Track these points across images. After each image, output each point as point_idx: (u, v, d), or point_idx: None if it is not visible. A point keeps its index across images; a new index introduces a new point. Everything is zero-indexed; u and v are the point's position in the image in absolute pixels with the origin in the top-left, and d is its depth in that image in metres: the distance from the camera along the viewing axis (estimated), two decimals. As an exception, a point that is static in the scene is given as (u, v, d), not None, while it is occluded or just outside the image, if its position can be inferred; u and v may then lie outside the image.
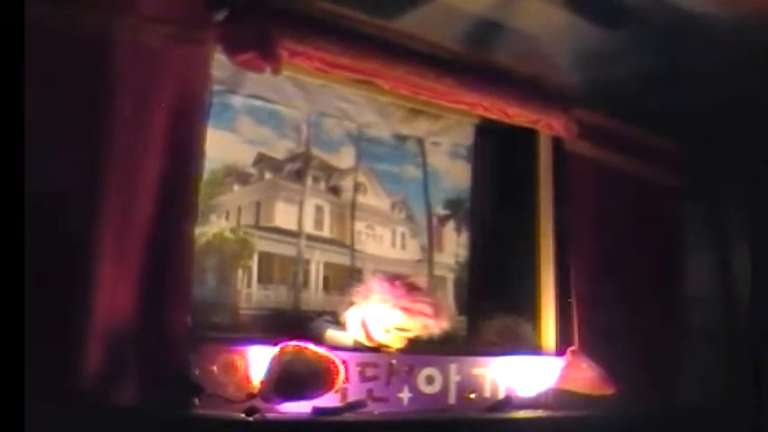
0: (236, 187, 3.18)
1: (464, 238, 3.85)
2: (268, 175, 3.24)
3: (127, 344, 2.39)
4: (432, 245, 3.79)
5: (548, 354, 3.51)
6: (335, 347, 2.80)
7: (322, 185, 3.39)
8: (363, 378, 2.82)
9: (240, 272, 3.17)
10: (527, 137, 3.71)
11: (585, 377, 3.31)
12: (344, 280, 3.41)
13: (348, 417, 2.55)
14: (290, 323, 3.21)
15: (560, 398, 3.25)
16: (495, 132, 3.78)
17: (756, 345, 4.25)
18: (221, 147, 3.07)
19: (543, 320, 3.59)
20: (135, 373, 2.39)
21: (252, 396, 2.50)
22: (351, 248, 3.44)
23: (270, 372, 2.57)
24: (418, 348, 3.08)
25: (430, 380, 2.99)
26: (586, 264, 3.65)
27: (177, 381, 2.42)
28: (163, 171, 2.52)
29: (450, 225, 3.86)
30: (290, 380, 2.56)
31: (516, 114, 3.47)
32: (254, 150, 3.21)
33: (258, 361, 2.60)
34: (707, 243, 4.37)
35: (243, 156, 3.20)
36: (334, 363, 2.67)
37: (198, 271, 2.77)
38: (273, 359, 2.59)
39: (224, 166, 3.13)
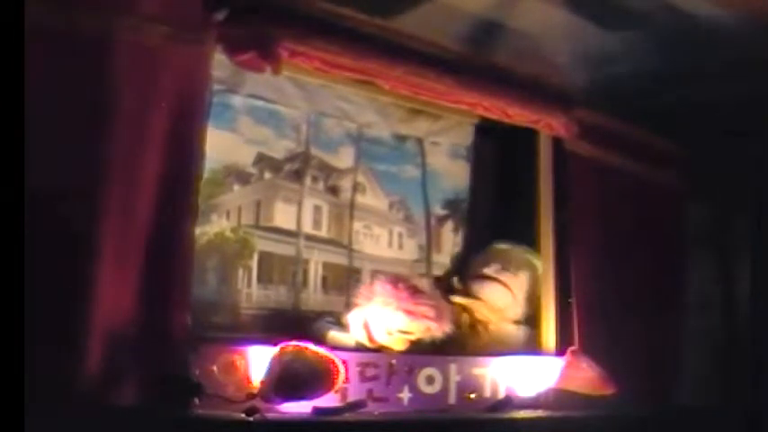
0: (236, 187, 3.17)
1: (462, 237, 3.85)
2: (268, 175, 3.24)
3: (127, 344, 2.38)
4: (430, 245, 3.79)
5: (548, 354, 3.51)
6: (337, 348, 2.81)
7: (321, 185, 3.39)
8: (363, 378, 2.82)
9: (240, 272, 3.16)
10: (527, 137, 3.71)
11: (585, 377, 3.31)
12: (343, 280, 3.41)
13: (348, 417, 2.55)
14: (289, 323, 3.21)
15: (560, 398, 3.26)
16: (495, 132, 3.78)
17: (756, 345, 4.25)
18: (221, 146, 3.06)
19: (543, 320, 3.59)
20: (135, 373, 2.39)
21: (252, 396, 2.50)
22: (349, 248, 3.44)
23: (270, 372, 2.57)
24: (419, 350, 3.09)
25: (430, 380, 2.99)
26: (586, 264, 3.65)
27: (177, 381, 2.42)
28: (163, 171, 2.52)
29: (449, 225, 3.86)
30: (290, 380, 2.56)
31: (516, 114, 3.47)
32: (254, 150, 3.21)
33: (258, 361, 2.60)
34: (707, 243, 4.37)
35: (243, 155, 3.19)
36: (334, 363, 2.67)
37: (198, 271, 2.76)
38: (273, 359, 2.59)
39: (224, 166, 3.13)
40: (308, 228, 3.34)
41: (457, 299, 3.44)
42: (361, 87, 3.30)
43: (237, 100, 3.18)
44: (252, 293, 3.20)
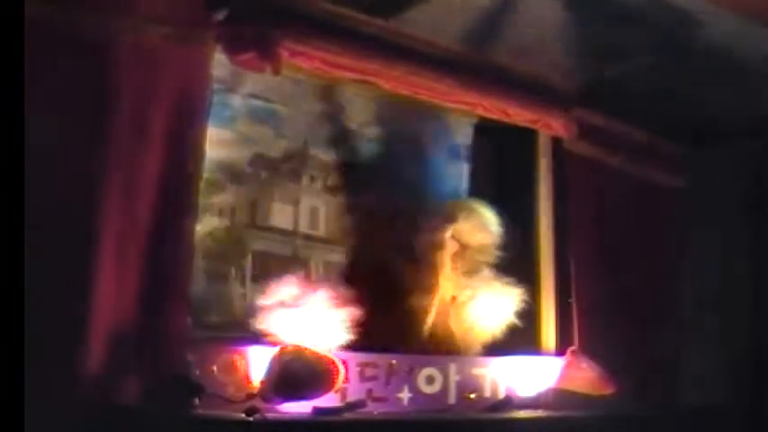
0: (236, 186, 3.16)
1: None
2: (265, 174, 3.23)
3: (127, 344, 2.39)
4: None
5: (548, 354, 3.51)
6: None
7: (319, 185, 3.37)
8: (363, 378, 2.82)
9: (241, 272, 3.15)
10: (527, 137, 3.71)
11: (585, 377, 3.31)
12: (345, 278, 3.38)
13: (348, 417, 2.55)
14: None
15: (560, 398, 3.25)
16: (494, 132, 3.78)
17: (756, 345, 4.25)
18: (221, 146, 3.06)
19: (543, 320, 3.59)
20: (135, 373, 2.40)
21: (252, 396, 2.50)
22: (348, 247, 3.42)
23: (270, 372, 2.57)
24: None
25: (430, 380, 2.99)
26: (586, 264, 3.65)
27: (177, 381, 2.42)
28: (163, 170, 2.52)
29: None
30: (290, 380, 2.56)
31: (516, 114, 3.47)
32: (251, 149, 3.20)
33: (258, 361, 2.60)
34: (707, 242, 4.37)
35: (241, 154, 3.18)
36: (333, 363, 2.67)
37: (198, 271, 2.76)
38: (273, 359, 2.59)
39: (223, 165, 3.11)
40: (305, 227, 3.32)
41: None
42: (361, 87, 3.29)
43: (236, 99, 3.17)
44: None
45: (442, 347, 3.19)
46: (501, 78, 3.41)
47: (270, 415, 2.39)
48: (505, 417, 3.01)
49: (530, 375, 3.26)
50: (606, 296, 3.69)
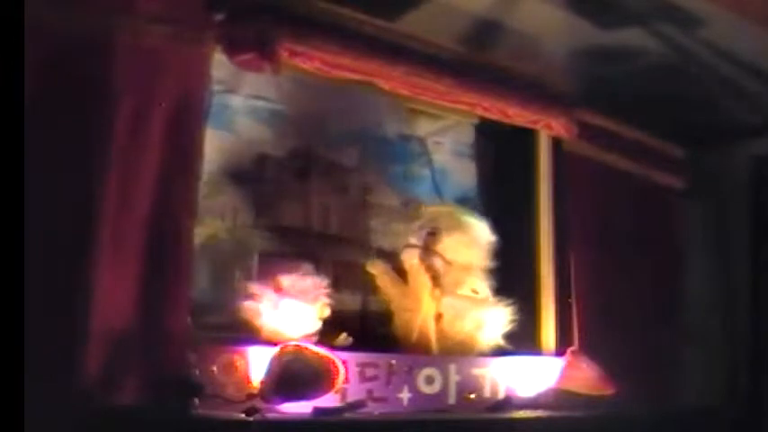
0: (237, 186, 3.15)
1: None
2: (270, 175, 3.22)
3: (127, 344, 2.39)
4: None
5: (548, 354, 3.51)
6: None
7: (327, 184, 3.37)
8: (363, 378, 2.82)
9: (246, 272, 3.13)
10: (527, 137, 3.71)
11: (585, 377, 3.31)
12: (357, 279, 3.38)
13: (348, 417, 2.55)
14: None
15: (560, 398, 3.25)
16: (494, 132, 3.78)
17: (756, 345, 4.25)
18: (222, 146, 3.06)
19: (543, 320, 3.59)
20: (135, 373, 2.39)
21: (252, 396, 2.50)
22: (360, 246, 3.42)
23: (270, 372, 2.57)
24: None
25: (430, 380, 2.99)
26: (586, 264, 3.65)
27: (177, 381, 2.42)
28: (163, 171, 2.52)
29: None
30: (290, 380, 2.56)
31: (516, 114, 3.47)
32: (255, 149, 3.20)
33: (258, 361, 2.60)
34: (707, 243, 4.37)
35: (244, 155, 3.18)
36: (334, 363, 2.67)
37: (198, 271, 2.75)
38: (273, 359, 2.59)
39: (224, 166, 3.11)
40: (316, 226, 3.31)
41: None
42: (361, 87, 3.29)
43: (237, 99, 3.17)
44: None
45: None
46: (501, 78, 3.41)
47: (270, 415, 2.39)
48: (505, 417, 3.01)
49: (530, 375, 3.26)
50: (606, 296, 3.69)
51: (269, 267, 2.86)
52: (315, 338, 2.81)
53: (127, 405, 2.35)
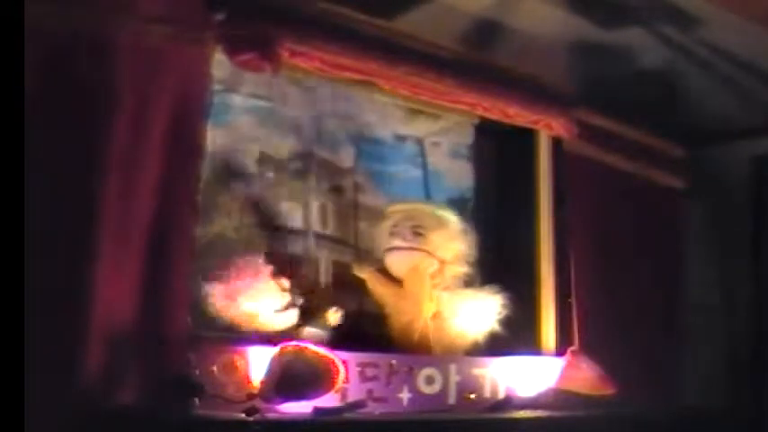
0: (238, 186, 3.15)
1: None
2: (270, 175, 3.23)
3: (127, 344, 2.38)
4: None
5: (548, 354, 3.51)
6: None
7: (325, 185, 3.37)
8: (363, 378, 2.82)
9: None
10: (527, 137, 3.71)
11: (585, 377, 3.31)
12: (352, 278, 3.38)
13: (348, 417, 2.55)
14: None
15: (560, 398, 3.25)
16: (495, 132, 3.78)
17: (757, 345, 4.25)
18: (222, 146, 3.06)
19: (543, 320, 3.59)
20: (135, 373, 2.39)
21: (252, 396, 2.49)
22: (355, 247, 3.42)
23: (270, 372, 2.57)
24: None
25: (430, 380, 2.98)
26: (586, 264, 3.65)
27: (177, 381, 2.42)
28: (163, 171, 2.52)
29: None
30: (290, 380, 2.56)
31: (516, 114, 3.47)
32: (255, 149, 3.20)
33: (258, 361, 2.60)
34: (707, 243, 4.37)
35: (245, 155, 3.18)
36: (334, 363, 2.67)
37: (204, 271, 2.75)
38: (273, 359, 2.59)
39: (226, 166, 3.11)
40: (315, 227, 3.32)
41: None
42: (361, 87, 3.30)
43: (238, 99, 3.17)
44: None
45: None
46: (501, 78, 3.41)
47: (270, 415, 2.39)
48: (505, 417, 3.01)
49: (530, 375, 3.26)
50: (606, 296, 3.69)
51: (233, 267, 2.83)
52: (295, 315, 2.81)
53: (127, 405, 2.35)
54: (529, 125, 3.58)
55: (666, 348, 3.96)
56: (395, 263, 3.22)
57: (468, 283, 3.30)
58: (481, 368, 3.13)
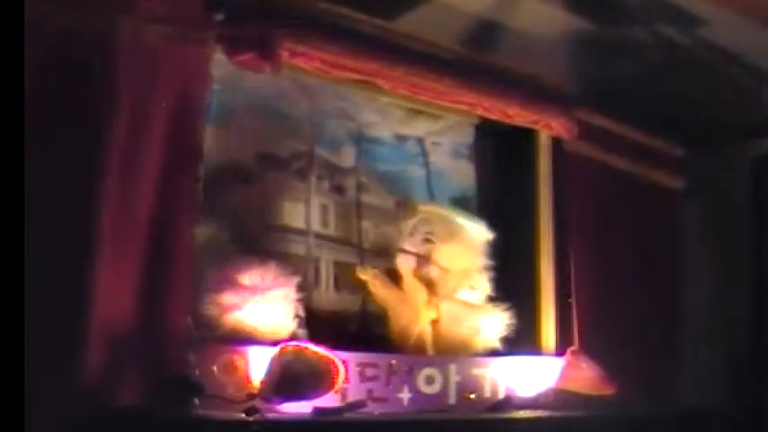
0: (238, 186, 3.15)
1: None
2: (271, 174, 3.22)
3: (127, 344, 2.39)
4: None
5: (548, 354, 3.51)
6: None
7: (326, 184, 3.37)
8: (363, 378, 2.82)
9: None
10: (527, 137, 3.71)
11: (585, 377, 3.31)
12: (354, 279, 3.38)
13: (348, 417, 2.55)
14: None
15: (560, 398, 3.26)
16: (495, 132, 3.78)
17: (757, 345, 4.25)
18: (223, 145, 3.05)
19: (543, 320, 3.59)
20: (135, 372, 2.40)
21: (252, 396, 2.49)
22: (358, 247, 3.42)
23: (270, 372, 2.57)
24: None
25: (430, 380, 2.98)
26: (586, 264, 3.66)
27: (177, 381, 2.42)
28: (163, 171, 2.52)
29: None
30: (290, 380, 2.56)
31: (516, 114, 3.47)
32: (256, 149, 3.20)
33: (258, 361, 2.60)
34: (707, 242, 4.37)
35: (245, 155, 3.18)
36: (334, 363, 2.67)
37: (199, 270, 2.75)
38: (274, 359, 2.59)
39: (226, 165, 3.11)
40: (316, 226, 3.32)
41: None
42: (361, 87, 3.30)
43: (239, 99, 3.16)
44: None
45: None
46: (501, 78, 3.41)
47: (270, 415, 2.39)
48: (505, 417, 3.01)
49: (530, 375, 3.26)
50: (606, 296, 3.69)
51: (232, 269, 2.81)
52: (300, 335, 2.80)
53: (127, 405, 2.35)
54: (529, 125, 3.58)
55: (666, 348, 3.96)
56: (401, 266, 3.22)
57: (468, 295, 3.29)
58: (481, 368, 3.13)
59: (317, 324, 2.93)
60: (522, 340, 3.42)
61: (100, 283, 2.33)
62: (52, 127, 2.29)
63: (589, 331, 3.54)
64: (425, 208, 3.35)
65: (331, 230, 3.35)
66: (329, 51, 2.90)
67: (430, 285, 3.19)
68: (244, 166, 3.16)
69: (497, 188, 3.88)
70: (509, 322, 3.23)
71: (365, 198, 3.46)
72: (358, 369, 2.80)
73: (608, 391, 3.27)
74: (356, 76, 3.07)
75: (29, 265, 2.01)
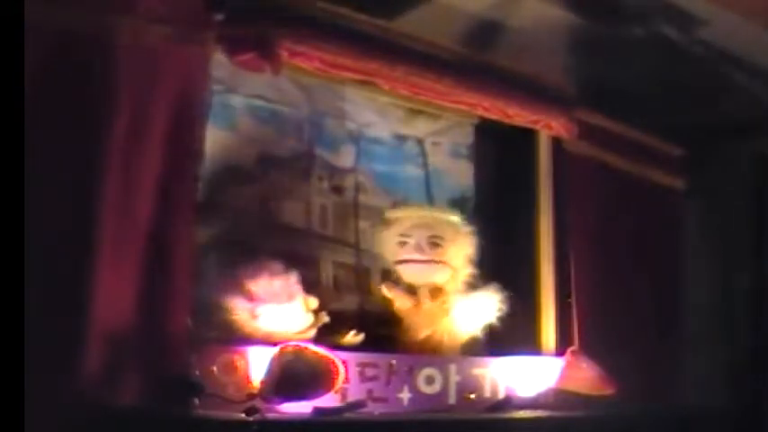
0: (239, 186, 3.15)
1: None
2: (272, 174, 3.22)
3: (127, 344, 2.39)
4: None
5: (548, 354, 3.51)
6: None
7: (325, 185, 3.37)
8: (363, 378, 2.81)
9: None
10: (527, 137, 3.71)
11: (585, 377, 3.31)
12: (353, 279, 3.38)
13: (348, 417, 2.55)
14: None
15: (560, 398, 3.26)
16: (495, 132, 3.78)
17: (757, 345, 4.25)
18: (223, 146, 3.05)
19: (543, 320, 3.58)
20: (135, 373, 2.39)
21: (252, 396, 2.49)
22: (356, 248, 3.42)
23: (270, 372, 2.57)
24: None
25: (430, 380, 2.98)
26: (586, 264, 3.65)
27: (177, 381, 2.42)
28: (163, 171, 2.52)
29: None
30: (290, 380, 2.56)
31: (516, 114, 3.47)
32: (256, 150, 3.20)
33: (258, 361, 2.60)
34: (708, 242, 4.37)
35: (246, 155, 3.18)
36: (334, 363, 2.67)
37: (205, 271, 2.75)
38: (273, 359, 2.58)
39: (226, 165, 3.11)
40: (316, 227, 3.31)
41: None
42: (361, 87, 3.30)
43: (239, 100, 3.16)
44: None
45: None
46: (501, 78, 3.41)
47: (270, 415, 2.39)
48: (505, 417, 3.01)
49: (530, 375, 3.25)
50: (606, 296, 3.69)
51: (237, 276, 2.81)
52: (313, 334, 2.80)
53: (127, 405, 2.35)
54: (529, 125, 3.58)
55: (666, 348, 3.96)
56: (412, 276, 3.20)
57: (470, 284, 3.29)
58: (481, 368, 3.13)
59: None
60: (522, 340, 3.42)
61: (100, 283, 2.33)
62: (52, 127, 2.29)
63: (589, 331, 3.54)
64: (399, 212, 3.30)
65: (330, 231, 3.35)
66: (329, 51, 2.89)
67: (445, 292, 3.20)
68: (244, 166, 3.17)
69: (497, 188, 3.88)
70: (506, 303, 3.20)
71: (363, 198, 3.46)
72: (358, 369, 2.80)
73: (608, 391, 3.27)
74: (356, 76, 3.07)
75: (29, 266, 2.01)
